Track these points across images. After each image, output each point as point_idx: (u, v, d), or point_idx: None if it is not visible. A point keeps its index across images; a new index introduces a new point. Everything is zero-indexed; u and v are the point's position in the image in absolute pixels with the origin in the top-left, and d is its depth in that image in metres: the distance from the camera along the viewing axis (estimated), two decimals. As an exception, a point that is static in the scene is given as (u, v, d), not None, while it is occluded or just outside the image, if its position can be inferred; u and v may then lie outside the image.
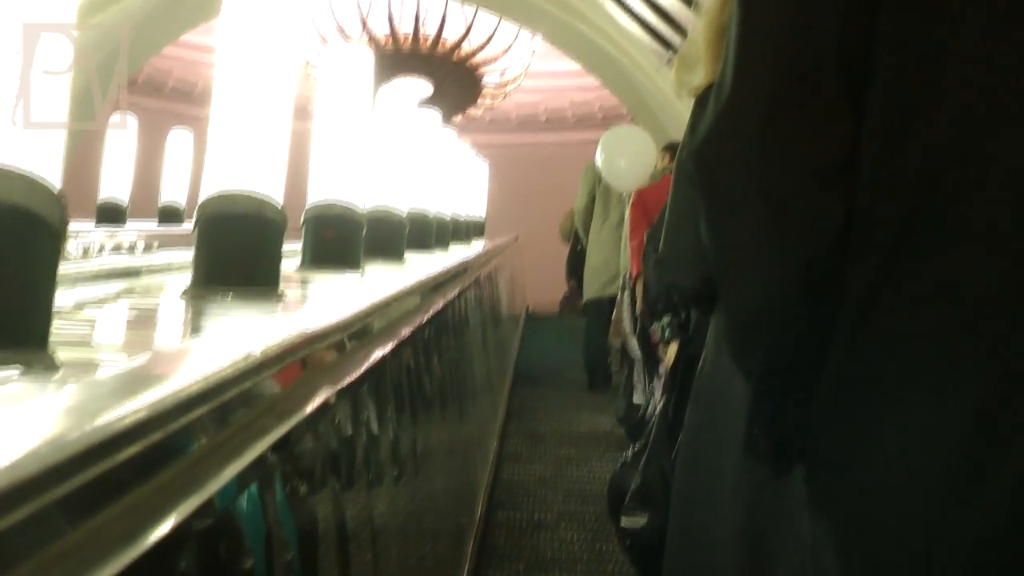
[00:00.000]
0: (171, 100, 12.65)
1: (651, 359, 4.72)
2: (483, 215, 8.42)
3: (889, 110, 1.02)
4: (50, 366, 0.97)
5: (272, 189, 1.99)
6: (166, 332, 1.62)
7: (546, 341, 9.77)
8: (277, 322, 1.53)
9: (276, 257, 1.99)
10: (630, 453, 3.16)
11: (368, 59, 3.14)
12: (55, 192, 1.05)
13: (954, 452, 0.97)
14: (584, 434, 6.38)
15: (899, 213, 1.01)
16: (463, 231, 6.31)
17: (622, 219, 6.47)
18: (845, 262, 1.03)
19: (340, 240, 3.02)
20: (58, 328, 1.04)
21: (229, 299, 1.84)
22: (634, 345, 6.12)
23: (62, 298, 1.06)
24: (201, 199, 2.01)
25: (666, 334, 3.11)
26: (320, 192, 3.04)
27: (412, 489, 2.23)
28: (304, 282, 2.82)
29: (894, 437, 1.01)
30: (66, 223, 1.06)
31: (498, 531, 4.42)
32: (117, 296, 2.06)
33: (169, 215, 6.28)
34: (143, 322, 1.75)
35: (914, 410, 1.00)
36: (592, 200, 7.62)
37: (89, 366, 1.06)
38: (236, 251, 1.95)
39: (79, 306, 1.75)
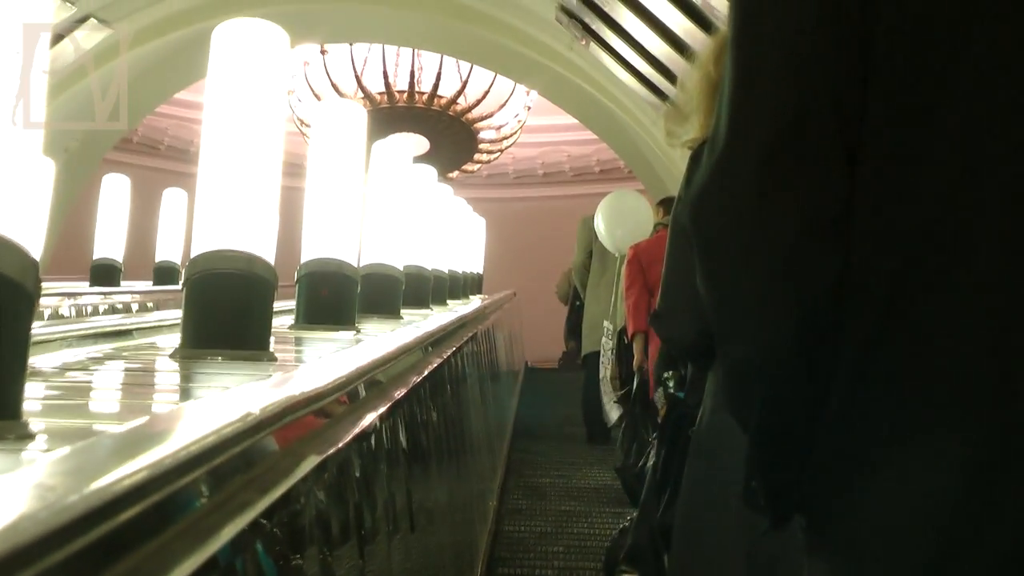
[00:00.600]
0: (166, 159, 12.67)
1: (645, 416, 4.65)
2: (480, 270, 8.41)
3: (881, 166, 1.02)
4: (23, 435, 0.93)
5: (262, 247, 1.97)
6: (149, 397, 1.58)
7: (545, 395, 9.76)
8: (267, 388, 1.49)
9: (267, 317, 1.96)
10: (628, 520, 3.26)
11: (361, 115, 3.13)
12: (29, 257, 1.02)
13: (949, 507, 0.97)
14: (585, 488, 6.38)
15: (894, 266, 1.01)
16: (460, 287, 6.29)
17: (619, 273, 6.52)
18: (842, 314, 1.03)
19: (334, 297, 2.99)
20: (37, 393, 1.01)
21: (219, 361, 1.80)
22: (610, 407, 6.27)
23: (48, 360, 1.04)
24: (191, 257, 1.99)
25: (668, 391, 3.07)
26: (313, 249, 3.02)
27: (408, 547, 2.19)
28: (298, 340, 2.80)
29: (890, 489, 1.01)
30: (39, 288, 1.03)
31: None
32: (104, 358, 2.03)
33: (164, 275, 6.27)
34: (127, 386, 1.72)
35: (910, 463, 0.99)
36: (589, 256, 7.73)
37: (64, 434, 1.03)
38: (226, 311, 1.91)
39: (64, 369, 1.72)
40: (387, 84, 12.28)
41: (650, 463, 3.16)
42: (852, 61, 1.01)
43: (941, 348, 0.98)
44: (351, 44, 11.73)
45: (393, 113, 12.45)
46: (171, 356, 1.85)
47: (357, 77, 12.11)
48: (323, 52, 11.99)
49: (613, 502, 5.84)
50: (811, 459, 1.08)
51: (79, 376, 1.71)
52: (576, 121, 12.47)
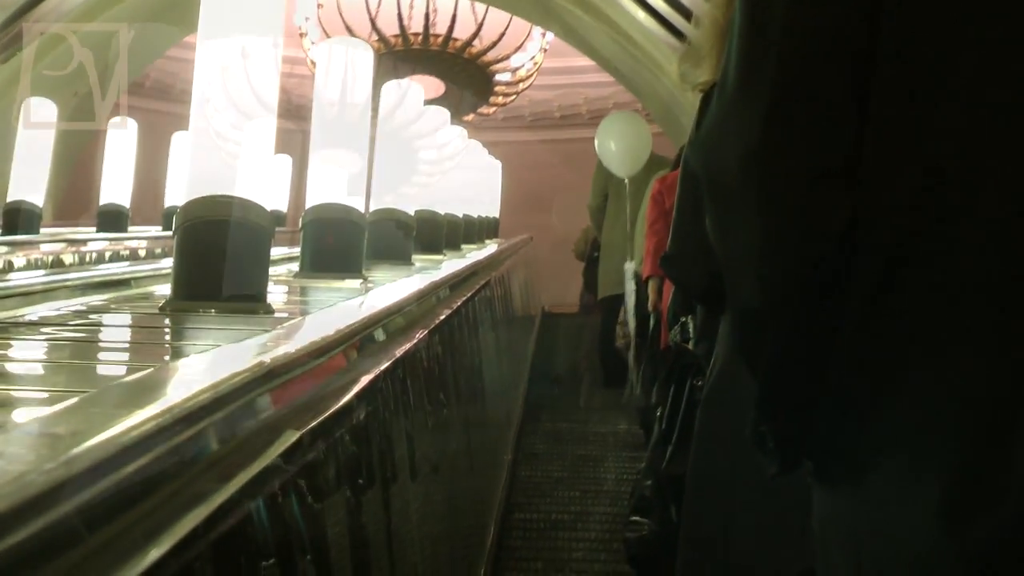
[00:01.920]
0: (178, 103, 12.51)
1: (661, 361, 4.62)
2: (496, 215, 8.30)
3: (891, 109, 1.02)
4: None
5: (259, 192, 1.87)
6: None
7: (562, 340, 9.73)
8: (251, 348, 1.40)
9: (263, 266, 1.86)
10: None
11: (367, 54, 3.00)
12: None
13: (960, 443, 0.98)
14: (601, 433, 6.37)
15: (902, 210, 1.02)
16: (476, 232, 6.17)
17: (635, 216, 6.56)
18: (852, 258, 1.04)
19: (340, 244, 2.88)
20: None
21: (211, 315, 1.71)
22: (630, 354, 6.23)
23: (29, 312, 0.97)
24: (182, 204, 1.89)
25: (684, 335, 2.94)
26: (319, 194, 2.90)
27: (428, 490, 2.21)
28: (302, 291, 2.70)
29: (900, 430, 1.02)
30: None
31: (515, 532, 4.43)
32: (88, 312, 1.92)
33: (173, 220, 6.14)
34: (101, 345, 1.61)
35: (919, 404, 1.00)
36: (604, 198, 7.73)
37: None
38: (218, 261, 1.81)
39: (38, 324, 1.61)
40: (401, 26, 12.07)
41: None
42: (863, 5, 1.02)
43: (949, 294, 0.99)
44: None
45: (408, 56, 12.25)
46: (160, 309, 1.75)
47: (371, 19, 11.91)
48: (336, -6, 11.81)
49: (629, 446, 5.86)
50: (821, 403, 1.09)
51: (50, 333, 1.60)
52: (591, 63, 12.33)
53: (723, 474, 2.17)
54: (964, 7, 1.01)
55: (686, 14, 6.92)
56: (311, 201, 2.90)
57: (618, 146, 6.99)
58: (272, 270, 3.39)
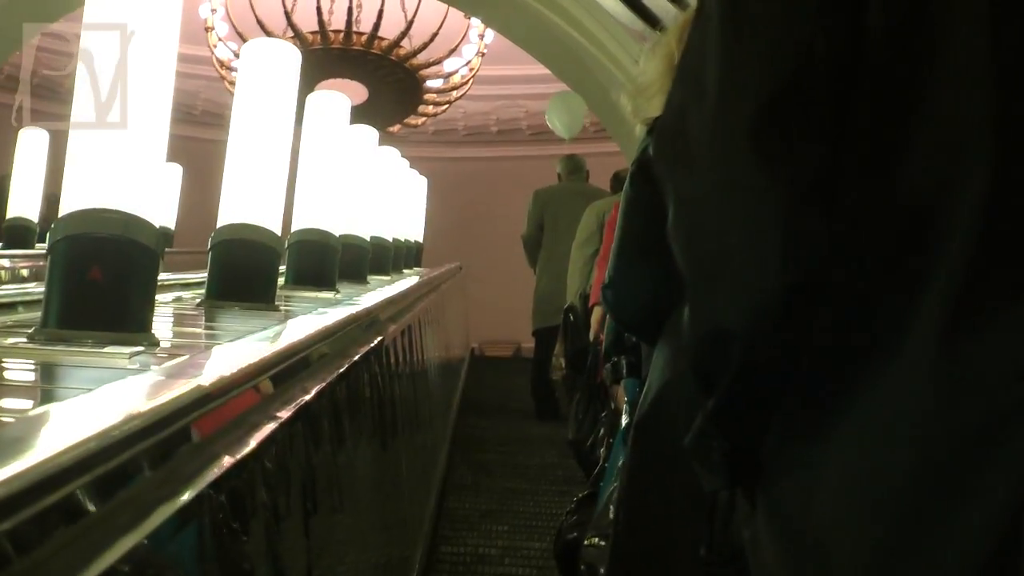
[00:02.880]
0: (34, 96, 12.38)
1: (595, 395, 4.83)
2: (419, 239, 8.32)
3: (871, 128, 1.11)
4: None
5: (147, 206, 1.92)
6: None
7: (493, 389, 9.85)
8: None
9: (149, 292, 1.93)
10: (575, 502, 3.42)
11: (294, 57, 3.06)
12: None
13: (905, 482, 1.06)
14: (531, 466, 6.93)
15: (880, 234, 1.10)
16: (390, 259, 6.14)
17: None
18: (826, 283, 1.12)
19: (251, 269, 2.93)
20: None
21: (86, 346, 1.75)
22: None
23: None
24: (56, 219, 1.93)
25: (616, 374, 3.28)
26: (232, 212, 2.95)
27: (352, 522, 2.35)
28: (191, 321, 2.77)
29: (851, 456, 1.10)
30: None
31: (441, 566, 4.78)
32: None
33: (15, 235, 6.02)
34: None
35: (872, 432, 1.08)
36: (539, 229, 8.52)
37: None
38: (98, 285, 1.86)
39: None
40: (321, 23, 12.09)
41: (600, 450, 3.49)
42: (847, 19, 1.09)
43: (909, 330, 1.06)
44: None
45: (327, 56, 12.27)
46: (28, 338, 1.79)
47: (287, 13, 11.94)
48: (248, -18, 11.83)
49: (560, 480, 6.35)
50: (774, 422, 1.18)
51: None
52: (535, 72, 12.40)
53: (657, 498, 2.37)
54: (949, 22, 1.07)
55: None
56: (223, 219, 2.95)
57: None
58: (165, 296, 3.48)
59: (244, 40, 11.18)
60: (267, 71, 3.00)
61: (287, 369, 1.86)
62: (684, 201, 1.19)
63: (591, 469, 3.97)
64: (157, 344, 1.88)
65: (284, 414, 1.61)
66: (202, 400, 1.30)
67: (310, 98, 3.99)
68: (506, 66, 14.12)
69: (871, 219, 1.10)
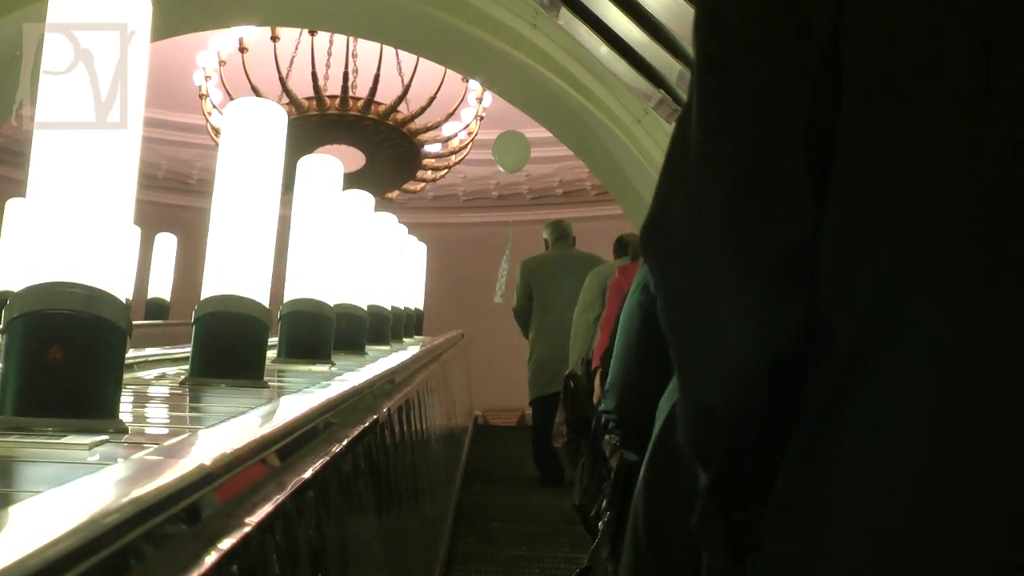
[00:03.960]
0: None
1: (600, 459, 4.74)
2: (420, 306, 8.19)
3: (850, 200, 1.11)
4: None
5: (110, 280, 1.74)
6: None
7: (498, 459, 9.80)
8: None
9: (117, 372, 1.77)
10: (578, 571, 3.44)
11: (280, 117, 2.90)
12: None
13: (909, 548, 1.04)
14: (537, 533, 6.98)
15: (862, 305, 1.09)
16: (389, 328, 5.98)
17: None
18: (810, 357, 1.12)
19: (240, 345, 2.77)
20: None
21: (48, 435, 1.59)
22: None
23: None
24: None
25: (611, 447, 3.40)
26: (217, 283, 2.79)
27: None
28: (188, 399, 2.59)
29: (852, 529, 1.08)
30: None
31: None
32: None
33: None
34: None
35: (873, 504, 1.07)
36: (529, 299, 8.74)
37: None
38: (57, 366, 1.70)
39: None
40: (316, 88, 11.96)
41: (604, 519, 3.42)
42: (822, 98, 1.11)
43: (904, 394, 1.06)
44: (274, 40, 11.48)
45: (323, 122, 12.16)
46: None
47: (282, 79, 11.81)
48: (242, 50, 11.71)
49: (566, 546, 6.42)
50: (773, 494, 1.16)
51: None
52: (536, 136, 12.29)
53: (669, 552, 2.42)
54: (927, 94, 1.08)
55: (668, 45, 6.64)
56: (207, 290, 2.78)
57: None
58: (149, 373, 3.31)
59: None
60: (252, 132, 2.84)
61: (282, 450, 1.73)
62: (668, 282, 1.21)
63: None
64: (125, 431, 1.71)
65: (253, 519, 1.41)
66: (160, 505, 1.12)
67: (301, 162, 3.85)
68: (505, 130, 14.03)
69: (853, 287, 1.10)
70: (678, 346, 1.22)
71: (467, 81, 12.14)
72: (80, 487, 1.16)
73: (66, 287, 1.69)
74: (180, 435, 1.69)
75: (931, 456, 1.04)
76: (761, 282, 1.13)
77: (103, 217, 1.75)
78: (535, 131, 12.05)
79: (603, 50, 7.26)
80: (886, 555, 1.05)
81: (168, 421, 2.32)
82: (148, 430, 1.99)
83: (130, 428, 1.75)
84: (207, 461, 1.34)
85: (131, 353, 3.94)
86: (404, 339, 6.89)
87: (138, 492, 1.09)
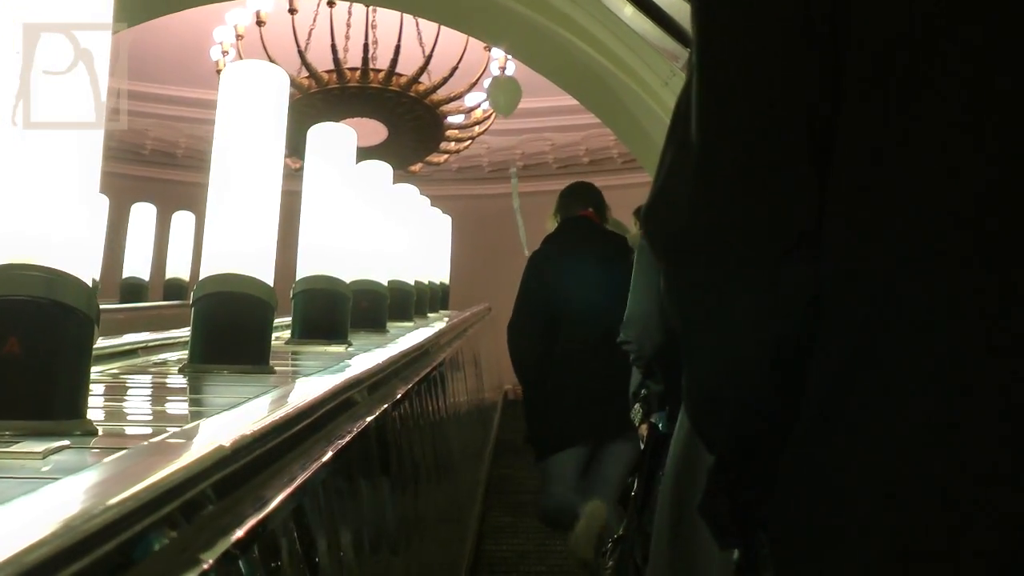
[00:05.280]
0: None
1: None
2: (446, 280, 8.01)
3: (854, 176, 1.12)
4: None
5: (77, 262, 1.52)
6: None
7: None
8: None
9: (83, 375, 1.55)
10: (612, 539, 3.60)
11: (281, 80, 2.68)
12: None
13: (920, 525, 1.05)
14: None
15: (868, 281, 1.10)
16: (413, 304, 5.79)
17: None
18: (816, 329, 1.12)
19: (245, 325, 2.56)
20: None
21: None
22: None
23: None
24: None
25: (647, 409, 3.38)
26: (217, 260, 2.57)
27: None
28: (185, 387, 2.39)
29: (861, 505, 1.08)
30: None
31: None
32: None
33: None
34: None
35: (882, 481, 1.07)
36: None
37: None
38: (17, 360, 1.47)
39: None
40: (336, 60, 11.73)
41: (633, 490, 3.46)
42: (821, 74, 1.11)
43: (906, 389, 1.06)
44: (292, 13, 11.25)
45: (343, 95, 11.93)
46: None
47: (301, 52, 11.58)
48: (260, 23, 11.48)
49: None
50: (779, 475, 1.16)
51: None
52: (561, 104, 12.05)
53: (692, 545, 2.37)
54: (925, 77, 1.09)
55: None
56: (206, 269, 2.56)
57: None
58: (152, 358, 3.11)
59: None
60: (250, 96, 2.61)
61: (283, 442, 1.56)
62: (671, 257, 1.21)
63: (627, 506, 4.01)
64: (94, 433, 1.49)
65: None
66: (108, 530, 0.91)
67: (311, 131, 3.65)
68: (530, 98, 13.81)
69: (856, 272, 1.11)
70: (684, 328, 1.22)
71: (489, 50, 11.89)
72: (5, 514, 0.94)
73: (21, 270, 1.47)
74: (160, 435, 1.48)
75: (936, 422, 1.05)
76: (767, 264, 1.13)
77: (63, 188, 1.52)
78: (560, 99, 11.85)
79: (628, 10, 7.03)
80: (897, 526, 1.06)
81: (150, 418, 2.10)
82: (127, 429, 1.78)
83: (103, 428, 1.55)
84: (169, 485, 1.12)
85: (144, 336, 3.78)
86: (429, 314, 6.74)
87: (69, 522, 0.88)
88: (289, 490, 1.50)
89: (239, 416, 1.67)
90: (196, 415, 1.89)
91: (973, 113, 1.08)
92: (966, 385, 1.05)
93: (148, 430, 1.69)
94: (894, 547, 1.06)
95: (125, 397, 2.25)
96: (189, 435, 1.50)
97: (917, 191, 1.08)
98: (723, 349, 1.18)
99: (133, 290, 7.63)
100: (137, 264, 7.82)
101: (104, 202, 7.36)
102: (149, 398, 2.38)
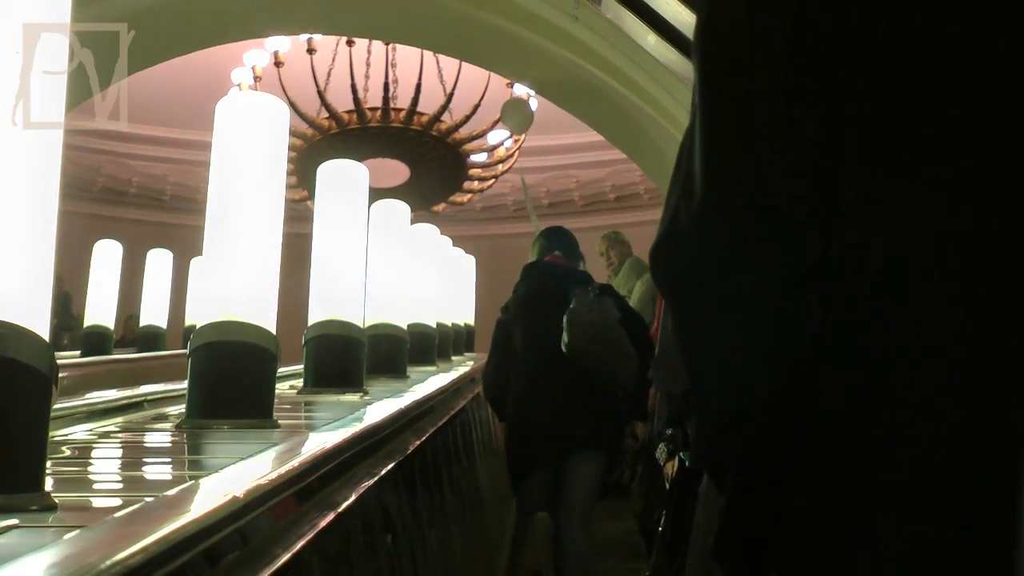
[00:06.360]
0: None
1: (659, 469, 4.62)
2: (471, 321, 7.86)
3: (858, 211, 1.12)
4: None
5: (31, 314, 1.34)
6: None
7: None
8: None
9: (37, 431, 1.35)
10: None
11: (281, 112, 2.51)
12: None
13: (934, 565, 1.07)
14: (598, 543, 6.60)
15: (873, 315, 1.11)
16: (432, 347, 5.62)
17: None
18: (821, 366, 1.13)
19: (245, 376, 2.38)
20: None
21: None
22: None
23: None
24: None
25: (672, 448, 3.31)
26: (212, 306, 2.40)
27: None
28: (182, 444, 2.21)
29: (871, 548, 1.08)
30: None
31: None
32: None
33: None
34: None
35: (890, 522, 1.08)
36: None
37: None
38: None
39: None
40: (356, 100, 11.63)
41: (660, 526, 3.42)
42: (826, 112, 1.12)
43: (920, 412, 1.07)
44: (310, 52, 11.16)
45: (364, 135, 11.82)
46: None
47: (320, 92, 11.49)
48: (278, 64, 11.39)
49: (628, 557, 6.40)
50: (788, 512, 1.16)
51: None
52: (584, 140, 11.92)
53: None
54: (929, 103, 1.10)
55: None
56: (204, 316, 2.39)
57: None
58: (150, 412, 2.93)
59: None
60: (246, 128, 2.44)
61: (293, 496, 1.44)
62: (677, 298, 1.21)
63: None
64: (53, 508, 1.31)
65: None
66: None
67: (322, 168, 3.49)
68: (555, 135, 13.71)
69: (869, 292, 1.11)
70: (690, 365, 1.21)
71: (511, 86, 11.77)
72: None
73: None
74: (127, 508, 1.29)
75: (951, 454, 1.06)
76: (771, 299, 1.14)
77: (12, 232, 1.34)
78: (585, 135, 11.71)
79: (651, 39, 6.90)
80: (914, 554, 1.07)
81: (123, 486, 1.89)
82: (95, 501, 1.59)
83: (67, 500, 1.37)
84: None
85: (152, 388, 3.62)
86: (453, 357, 6.58)
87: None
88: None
89: (223, 481, 1.49)
90: (178, 480, 1.71)
91: (977, 138, 1.08)
92: (984, 407, 1.06)
93: (118, 501, 1.50)
94: None
95: (106, 459, 2.08)
96: (155, 508, 1.31)
97: (923, 213, 1.09)
98: (731, 381, 1.19)
99: (150, 338, 7.49)
100: (154, 312, 7.70)
101: (118, 249, 7.31)
102: (133, 460, 2.19)
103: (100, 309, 7.15)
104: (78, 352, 7.09)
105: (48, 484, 1.36)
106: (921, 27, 1.12)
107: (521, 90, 11.53)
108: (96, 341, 7.03)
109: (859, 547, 1.10)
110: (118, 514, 1.26)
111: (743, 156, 1.15)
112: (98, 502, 1.61)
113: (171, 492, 1.40)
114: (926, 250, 1.09)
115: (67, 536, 1.12)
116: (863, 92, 1.12)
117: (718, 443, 1.24)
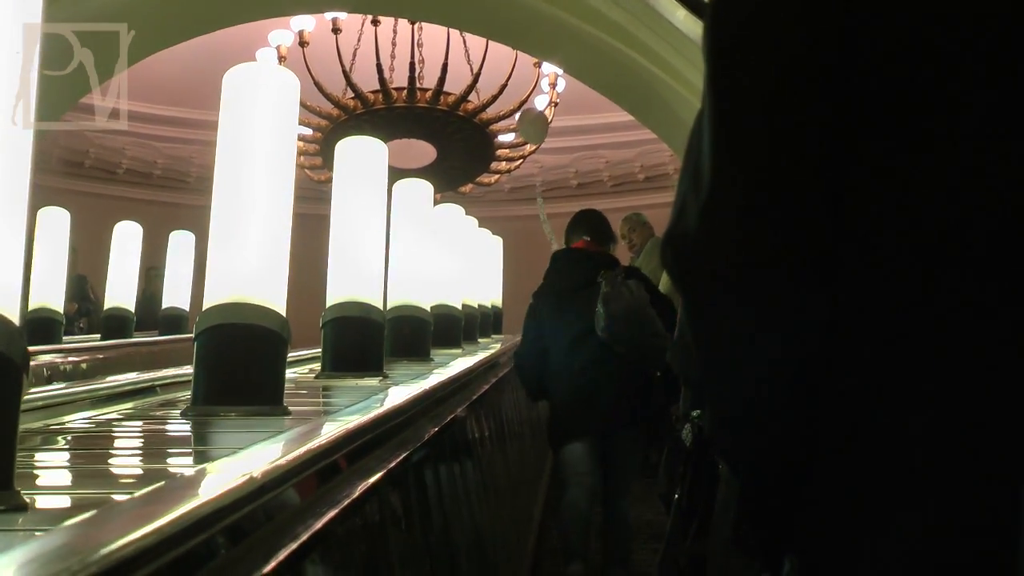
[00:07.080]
0: None
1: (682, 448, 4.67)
2: (498, 303, 7.75)
3: (868, 202, 1.12)
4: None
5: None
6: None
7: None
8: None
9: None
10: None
11: (288, 81, 2.39)
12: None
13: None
14: None
15: (884, 306, 1.10)
16: (457, 329, 5.52)
17: None
18: (833, 357, 1.13)
19: (251, 359, 2.26)
20: None
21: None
22: None
23: None
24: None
25: (691, 437, 3.42)
26: (220, 286, 2.28)
27: None
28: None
29: (887, 537, 1.08)
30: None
31: None
32: None
33: None
34: None
35: (906, 512, 1.07)
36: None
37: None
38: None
39: None
40: (382, 80, 11.50)
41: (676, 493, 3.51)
42: (835, 101, 1.11)
43: (933, 404, 1.06)
44: (335, 32, 11.05)
45: (390, 116, 11.70)
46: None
47: (345, 72, 11.37)
48: (303, 44, 11.28)
49: (654, 537, 6.27)
50: (804, 501, 1.16)
51: None
52: (613, 120, 11.78)
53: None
54: (938, 99, 1.08)
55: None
56: (209, 298, 2.27)
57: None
58: (155, 399, 2.83)
59: (302, 105, 10.60)
60: (254, 99, 2.32)
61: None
62: (686, 287, 1.20)
63: None
64: (23, 508, 1.19)
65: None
66: None
67: (339, 145, 3.38)
68: (583, 115, 13.59)
69: (880, 284, 1.11)
70: (701, 355, 1.21)
71: (539, 65, 11.66)
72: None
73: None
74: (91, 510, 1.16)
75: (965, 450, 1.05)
76: (781, 290, 1.14)
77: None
78: (614, 114, 11.59)
79: (680, 14, 6.77)
80: (928, 544, 1.05)
81: (105, 480, 1.77)
82: (70, 499, 1.46)
83: (43, 498, 1.25)
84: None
85: (167, 372, 3.52)
86: (480, 339, 6.48)
87: None
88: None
89: (212, 478, 1.37)
90: (161, 474, 1.58)
91: (988, 138, 1.07)
92: (988, 405, 1.05)
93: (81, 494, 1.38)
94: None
95: (97, 451, 1.96)
96: (129, 507, 1.18)
97: (936, 202, 1.09)
98: (742, 372, 1.19)
99: (172, 321, 7.41)
100: (177, 294, 7.62)
101: (138, 230, 7.23)
102: (126, 451, 2.08)
103: (120, 291, 7.08)
104: (98, 336, 7.02)
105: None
106: (932, 14, 1.10)
107: (549, 68, 11.42)
108: (116, 324, 6.94)
109: (864, 544, 1.10)
110: (83, 517, 1.13)
111: (752, 148, 1.15)
112: (73, 499, 1.48)
113: (139, 493, 1.27)
114: (935, 241, 1.08)
115: (37, 539, 1.00)
116: (873, 80, 1.11)
117: (730, 430, 1.25)
